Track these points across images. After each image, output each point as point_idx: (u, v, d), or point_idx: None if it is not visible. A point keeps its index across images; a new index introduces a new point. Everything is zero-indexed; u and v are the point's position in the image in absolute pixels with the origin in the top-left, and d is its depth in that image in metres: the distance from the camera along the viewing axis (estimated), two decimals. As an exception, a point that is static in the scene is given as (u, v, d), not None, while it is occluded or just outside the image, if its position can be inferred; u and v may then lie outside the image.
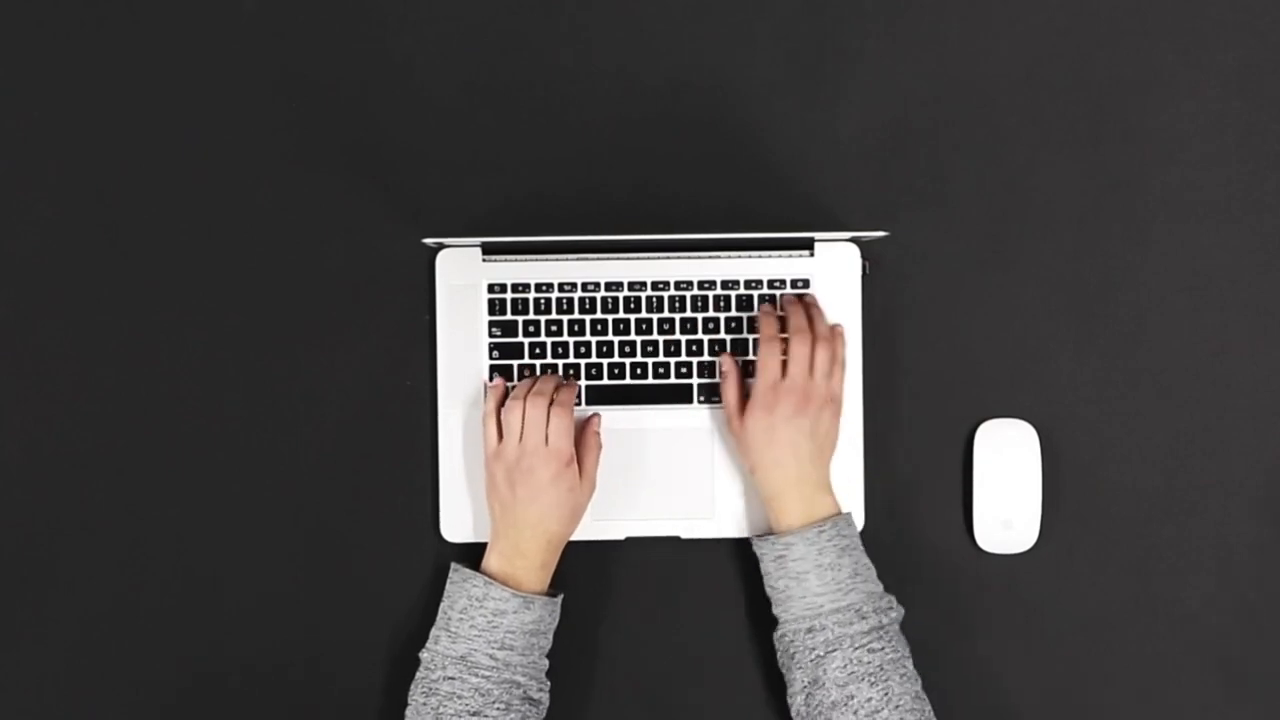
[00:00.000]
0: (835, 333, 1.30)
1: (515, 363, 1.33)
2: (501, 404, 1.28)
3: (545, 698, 1.25)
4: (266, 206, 1.34)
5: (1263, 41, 1.35)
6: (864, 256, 1.34)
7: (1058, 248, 1.35)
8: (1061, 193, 1.35)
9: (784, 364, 1.26)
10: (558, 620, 1.26)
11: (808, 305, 1.31)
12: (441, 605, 1.25)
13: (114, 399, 1.34)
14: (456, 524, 1.33)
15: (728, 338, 1.32)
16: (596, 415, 1.30)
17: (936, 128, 1.35)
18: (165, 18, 1.35)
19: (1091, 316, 1.35)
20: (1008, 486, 1.33)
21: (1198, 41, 1.35)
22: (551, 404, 1.25)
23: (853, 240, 1.33)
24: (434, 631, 1.24)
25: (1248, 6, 1.35)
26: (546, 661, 1.25)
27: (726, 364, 1.30)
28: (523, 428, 1.24)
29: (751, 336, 1.32)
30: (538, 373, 1.32)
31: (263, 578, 1.34)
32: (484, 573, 1.24)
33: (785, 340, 1.27)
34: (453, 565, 1.26)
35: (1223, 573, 1.34)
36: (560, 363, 1.32)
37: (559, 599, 1.26)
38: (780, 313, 1.31)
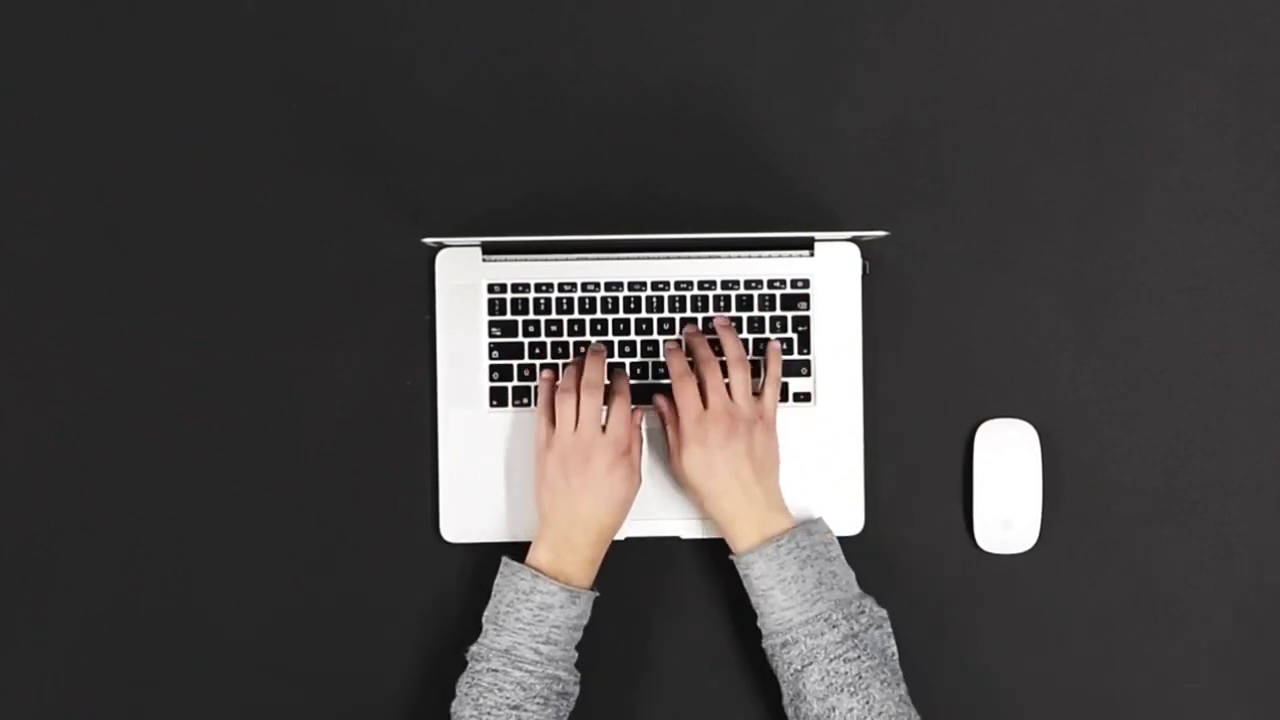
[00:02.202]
0: (770, 349, 1.30)
1: (515, 363, 1.33)
2: (552, 394, 1.28)
3: (577, 689, 1.25)
4: (266, 206, 1.34)
5: (1263, 41, 1.35)
6: (864, 256, 1.34)
7: (1058, 248, 1.35)
8: (1061, 193, 1.35)
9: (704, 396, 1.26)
10: (591, 612, 1.26)
11: (719, 329, 1.30)
12: (491, 600, 1.25)
13: (114, 399, 1.34)
14: (456, 524, 1.33)
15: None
16: (637, 409, 1.30)
17: (936, 128, 1.35)
18: (165, 18, 1.35)
19: (1091, 316, 1.35)
20: (1008, 486, 1.33)
21: (1198, 41, 1.35)
22: (611, 391, 1.25)
23: (853, 240, 1.33)
24: (484, 625, 1.24)
25: (1248, 6, 1.35)
26: (577, 653, 1.25)
27: (662, 405, 1.30)
28: (578, 417, 1.24)
29: (752, 336, 1.32)
30: (573, 350, 1.31)
31: (262, 578, 1.34)
32: (531, 566, 1.24)
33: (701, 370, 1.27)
34: (503, 559, 1.26)
35: (1223, 573, 1.34)
36: (561, 363, 1.32)
37: (597, 594, 1.26)
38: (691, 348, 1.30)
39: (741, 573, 1.25)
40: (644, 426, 1.30)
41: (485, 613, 1.25)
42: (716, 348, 1.30)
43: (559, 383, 1.28)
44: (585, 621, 1.25)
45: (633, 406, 1.30)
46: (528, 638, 1.21)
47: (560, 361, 1.32)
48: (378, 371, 1.34)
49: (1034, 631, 1.34)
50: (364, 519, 1.34)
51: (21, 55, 1.35)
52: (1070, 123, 1.35)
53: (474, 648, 1.24)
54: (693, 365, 1.28)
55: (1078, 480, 1.35)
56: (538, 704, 1.21)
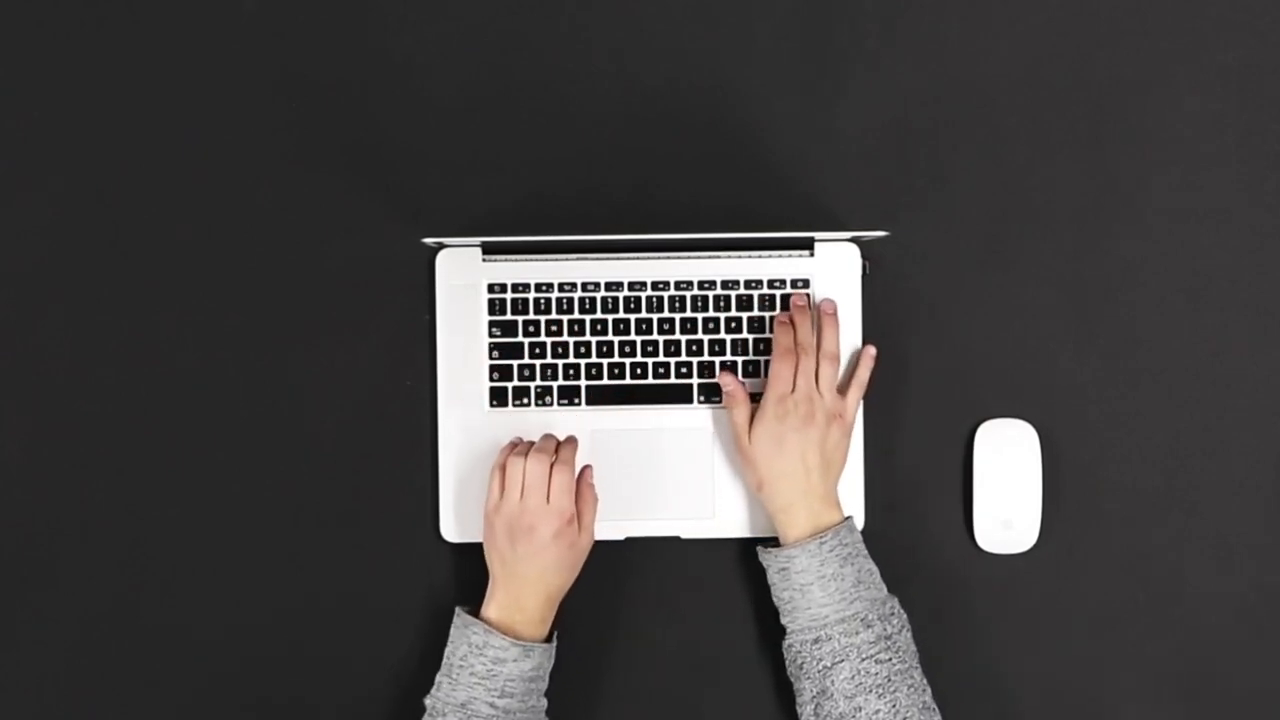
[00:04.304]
0: (864, 353, 1.30)
1: (515, 362, 1.33)
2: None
3: None
4: (266, 206, 1.34)
5: (1263, 41, 1.35)
6: (864, 256, 1.34)
7: (1058, 248, 1.35)
8: (1061, 193, 1.35)
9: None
10: (554, 660, 1.26)
11: (822, 318, 1.30)
12: (446, 650, 1.24)
13: (114, 399, 1.34)
14: (456, 524, 1.33)
15: (728, 337, 1.32)
16: (588, 467, 1.29)
17: (936, 128, 1.35)
18: (165, 18, 1.35)
19: (1091, 316, 1.35)
20: (1008, 486, 1.33)
21: (1198, 41, 1.35)
22: (554, 462, 1.24)
23: (853, 240, 1.33)
24: (438, 677, 1.24)
25: (1248, 6, 1.35)
26: (545, 701, 1.25)
27: (731, 385, 1.29)
28: (523, 485, 1.24)
29: (751, 336, 1.32)
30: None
31: (262, 578, 1.34)
32: (482, 620, 1.24)
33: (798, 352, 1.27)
34: (456, 610, 1.25)
35: (1223, 573, 1.34)
36: (560, 362, 1.32)
37: (554, 643, 1.26)
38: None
39: (778, 566, 1.24)
40: (595, 486, 1.29)
41: (442, 664, 1.24)
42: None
43: (514, 450, 1.26)
44: (546, 672, 1.24)
45: (587, 464, 1.29)
46: (483, 691, 1.21)
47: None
48: (378, 371, 1.34)
49: (1034, 631, 1.34)
50: (364, 519, 1.34)
51: (21, 55, 1.35)
52: (1070, 123, 1.35)
53: (429, 700, 1.23)
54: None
55: (1078, 480, 1.35)
56: None
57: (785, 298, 1.32)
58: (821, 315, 1.30)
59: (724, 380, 1.29)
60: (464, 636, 1.23)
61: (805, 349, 1.27)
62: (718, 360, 1.32)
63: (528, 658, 1.22)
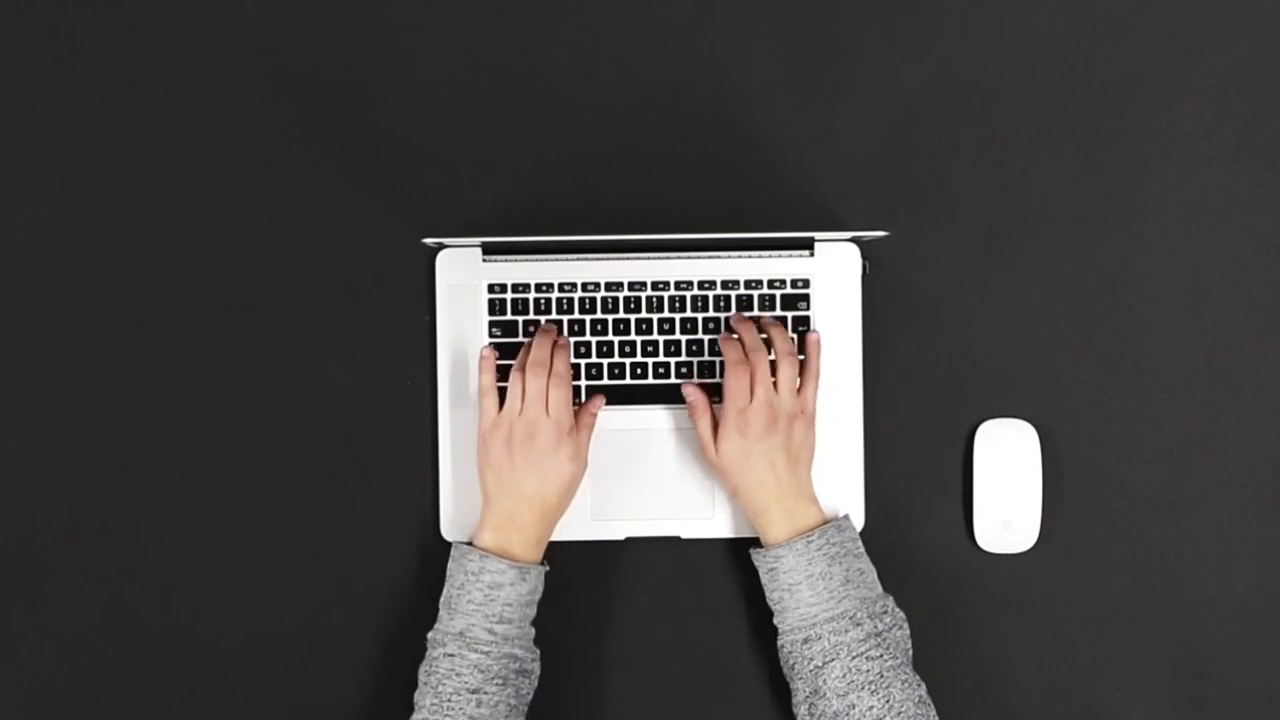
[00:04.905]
0: (810, 341, 1.30)
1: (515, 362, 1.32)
2: (495, 375, 1.28)
3: (537, 667, 1.25)
4: (266, 206, 1.34)
5: (1263, 41, 1.35)
6: (864, 256, 1.34)
7: (1058, 248, 1.35)
8: (1061, 193, 1.35)
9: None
10: (543, 588, 1.26)
11: (769, 325, 1.30)
12: (445, 586, 1.25)
13: (114, 399, 1.34)
14: (456, 524, 1.33)
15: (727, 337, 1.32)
16: (600, 396, 1.30)
17: (936, 128, 1.35)
18: (165, 17, 1.35)
19: (1091, 316, 1.35)
20: (1008, 486, 1.33)
21: (1198, 41, 1.35)
22: (550, 374, 1.25)
23: (853, 240, 1.33)
24: (440, 611, 1.24)
25: (1248, 6, 1.35)
26: (534, 630, 1.26)
27: (693, 395, 1.29)
28: (523, 399, 1.24)
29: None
30: (524, 333, 1.31)
31: (262, 577, 1.34)
32: (478, 548, 1.24)
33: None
34: (453, 544, 1.26)
35: (1223, 573, 1.34)
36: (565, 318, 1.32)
37: (547, 567, 1.27)
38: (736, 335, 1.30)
39: (767, 567, 1.25)
40: (599, 414, 1.30)
41: (442, 596, 1.25)
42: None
43: (514, 365, 1.28)
44: (538, 597, 1.25)
45: (599, 392, 1.30)
46: (481, 618, 1.22)
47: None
48: (378, 371, 1.34)
49: (1034, 631, 1.34)
50: (364, 519, 1.34)
51: (21, 55, 1.35)
52: (1070, 123, 1.35)
53: (430, 634, 1.24)
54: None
55: (1078, 480, 1.35)
56: (496, 685, 1.21)
57: (785, 298, 1.33)
58: (765, 325, 1.30)
59: (686, 391, 1.30)
60: (460, 567, 1.24)
61: (756, 352, 1.27)
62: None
63: (524, 580, 1.22)
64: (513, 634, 1.22)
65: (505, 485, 1.25)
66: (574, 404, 1.28)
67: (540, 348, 1.27)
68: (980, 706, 1.34)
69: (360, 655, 1.34)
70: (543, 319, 1.32)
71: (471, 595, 1.22)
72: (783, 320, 1.32)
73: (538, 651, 1.26)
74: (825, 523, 1.26)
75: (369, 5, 1.35)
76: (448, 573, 1.25)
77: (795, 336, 1.32)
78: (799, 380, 1.28)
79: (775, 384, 1.26)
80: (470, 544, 1.26)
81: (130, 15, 1.35)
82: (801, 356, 1.31)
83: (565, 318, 1.32)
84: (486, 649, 1.21)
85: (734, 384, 1.26)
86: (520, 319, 1.33)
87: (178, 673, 1.34)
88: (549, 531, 1.26)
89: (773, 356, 1.27)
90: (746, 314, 1.32)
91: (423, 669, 1.23)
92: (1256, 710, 1.34)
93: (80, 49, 1.35)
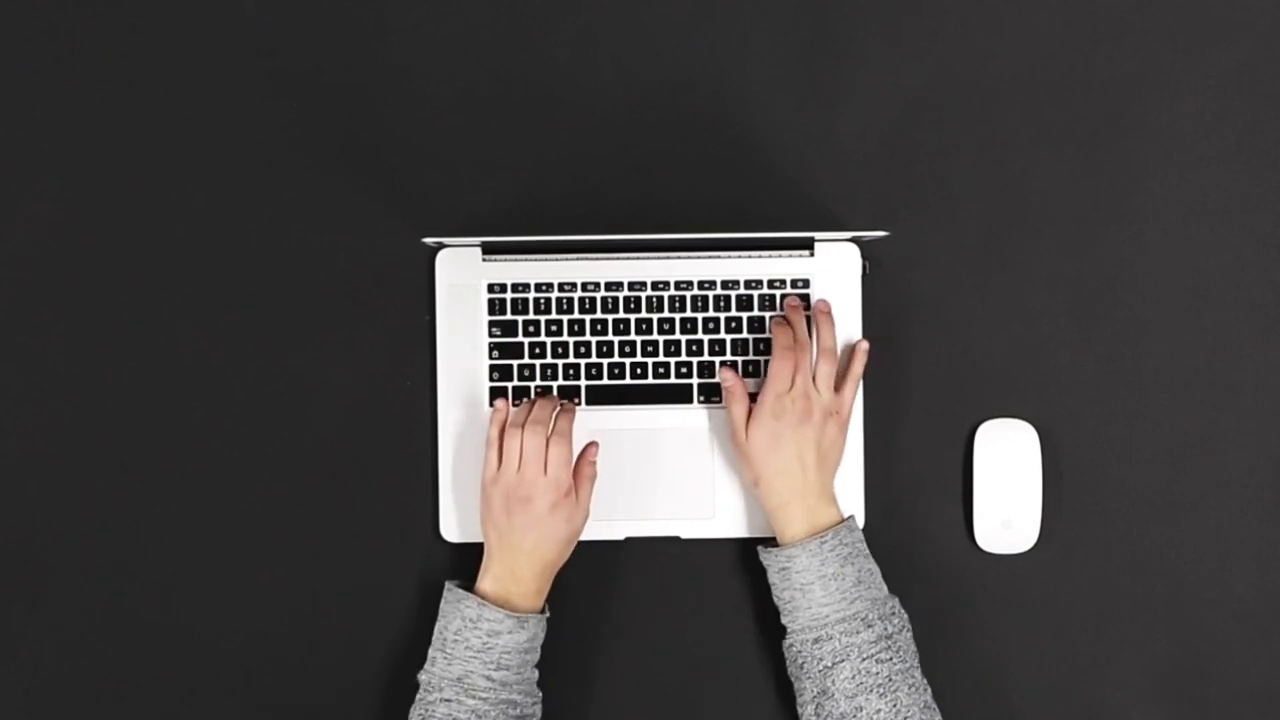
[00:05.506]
0: (858, 348, 1.30)
1: (515, 362, 1.33)
2: (504, 428, 1.27)
3: (538, 709, 1.25)
4: (266, 206, 1.34)
5: (1263, 41, 1.35)
6: (864, 256, 1.34)
7: (1058, 248, 1.35)
8: (1061, 193, 1.35)
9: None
10: (545, 632, 1.26)
11: (818, 315, 1.30)
12: (437, 625, 1.24)
13: (114, 399, 1.34)
14: (456, 524, 1.33)
15: (728, 337, 1.33)
16: (594, 444, 1.29)
17: (936, 128, 1.35)
18: (165, 17, 1.35)
19: (1091, 316, 1.35)
20: (1008, 486, 1.33)
21: (1198, 41, 1.35)
22: (551, 433, 1.24)
23: (853, 240, 1.33)
24: (430, 652, 1.24)
25: (1248, 6, 1.35)
26: (537, 672, 1.25)
27: (731, 380, 1.29)
28: (521, 456, 1.24)
29: (751, 336, 1.32)
30: (534, 393, 1.31)
31: (262, 578, 1.34)
32: (477, 594, 1.24)
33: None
34: (446, 585, 1.25)
35: (1223, 573, 1.34)
36: (560, 362, 1.32)
37: (547, 614, 1.26)
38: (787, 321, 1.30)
39: (779, 566, 1.24)
40: (596, 464, 1.29)
41: (433, 639, 1.24)
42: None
43: (509, 419, 1.27)
44: (539, 644, 1.24)
45: (593, 440, 1.28)
46: (479, 665, 1.21)
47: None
48: (378, 371, 1.34)
49: (1034, 631, 1.34)
50: (364, 519, 1.34)
51: (21, 55, 1.35)
52: (1070, 123, 1.35)
53: (423, 676, 1.23)
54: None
55: (1078, 480, 1.35)
56: None
57: (785, 298, 1.33)
58: (816, 314, 1.30)
59: (724, 375, 1.29)
60: (456, 611, 1.23)
61: (803, 346, 1.27)
62: (718, 360, 1.32)
63: (522, 629, 1.22)
64: (511, 680, 1.22)
65: (505, 541, 1.24)
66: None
67: (542, 408, 1.26)
68: (980, 706, 1.34)
69: (360, 655, 1.34)
70: (554, 386, 1.31)
71: (469, 641, 1.22)
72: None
73: (539, 694, 1.25)
74: (840, 523, 1.26)
75: (369, 5, 1.35)
76: (440, 614, 1.24)
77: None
78: (837, 380, 1.28)
79: (815, 379, 1.26)
80: (465, 587, 1.24)
81: (130, 15, 1.35)
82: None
83: (565, 317, 1.32)
84: (485, 694, 1.21)
85: (779, 366, 1.26)
86: (520, 319, 1.33)
87: (178, 673, 1.34)
88: (549, 583, 1.26)
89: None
90: (798, 302, 1.31)
91: (415, 712, 1.22)
92: (1256, 710, 1.34)
93: (80, 49, 1.35)
